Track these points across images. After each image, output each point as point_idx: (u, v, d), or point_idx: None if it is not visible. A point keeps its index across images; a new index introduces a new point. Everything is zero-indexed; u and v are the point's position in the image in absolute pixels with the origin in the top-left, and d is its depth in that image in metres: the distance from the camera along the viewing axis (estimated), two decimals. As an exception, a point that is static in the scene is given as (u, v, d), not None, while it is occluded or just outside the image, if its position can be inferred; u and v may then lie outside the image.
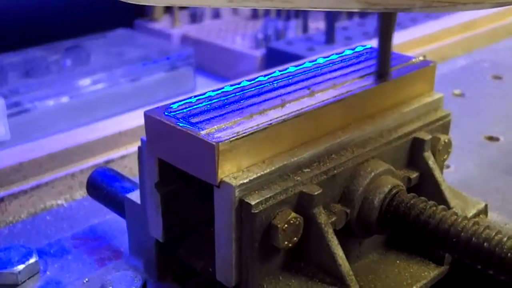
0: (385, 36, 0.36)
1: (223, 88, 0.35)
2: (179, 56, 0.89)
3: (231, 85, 0.35)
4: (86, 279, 0.37)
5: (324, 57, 0.40)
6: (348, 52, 0.41)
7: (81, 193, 0.52)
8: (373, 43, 0.42)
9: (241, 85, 0.36)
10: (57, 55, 0.87)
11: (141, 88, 0.83)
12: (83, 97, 0.79)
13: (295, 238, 0.30)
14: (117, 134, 0.56)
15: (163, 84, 0.86)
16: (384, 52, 0.37)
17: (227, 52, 0.93)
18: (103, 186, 0.42)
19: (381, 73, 0.36)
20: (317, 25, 1.03)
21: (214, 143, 0.28)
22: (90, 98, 0.79)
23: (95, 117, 0.73)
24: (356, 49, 0.42)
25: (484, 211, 0.37)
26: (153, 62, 0.87)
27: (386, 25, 0.36)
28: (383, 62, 0.37)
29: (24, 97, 0.75)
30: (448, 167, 0.54)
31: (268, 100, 0.33)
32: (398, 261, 0.36)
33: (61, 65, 0.85)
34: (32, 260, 0.39)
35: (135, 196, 0.37)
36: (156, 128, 0.32)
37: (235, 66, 0.91)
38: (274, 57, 0.89)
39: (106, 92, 0.81)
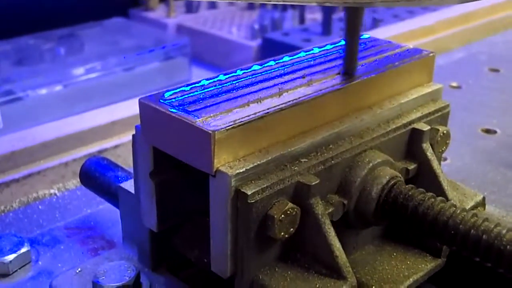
0: (351, 32, 0.34)
1: (218, 76, 0.35)
2: (175, 45, 0.89)
3: (227, 74, 0.35)
4: (79, 269, 0.36)
5: (320, 47, 0.39)
6: (344, 42, 0.41)
7: (74, 182, 0.51)
8: (370, 34, 0.42)
9: (237, 73, 0.35)
10: (51, 44, 0.86)
11: (135, 78, 0.83)
12: (77, 86, 0.78)
13: (291, 229, 0.29)
14: (111, 123, 0.56)
15: (158, 74, 0.85)
16: (350, 49, 0.34)
17: (223, 42, 0.93)
18: (97, 176, 0.41)
19: (348, 71, 0.34)
20: (314, 16, 1.02)
21: (210, 131, 0.28)
22: (83, 87, 0.79)
23: (89, 106, 0.73)
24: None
25: (482, 203, 0.37)
26: (148, 51, 0.86)
27: (352, 21, 0.33)
28: (349, 60, 0.34)
29: (17, 85, 0.74)
30: (444, 159, 0.54)
31: (265, 89, 0.33)
32: (394, 253, 0.35)
33: (54, 54, 0.84)
34: (23, 250, 0.39)
35: (129, 185, 0.36)
36: (151, 116, 0.31)
37: (230, 56, 0.91)
38: (270, 48, 0.88)
39: (100, 81, 0.80)
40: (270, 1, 0.26)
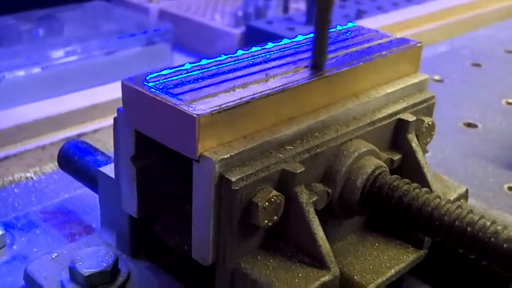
0: (321, 25, 0.32)
1: (201, 60, 0.34)
2: (156, 31, 0.87)
3: (210, 59, 0.34)
4: (55, 254, 0.35)
5: (304, 35, 0.39)
6: (331, 30, 0.40)
7: (51, 166, 0.50)
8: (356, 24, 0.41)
9: (221, 58, 0.34)
10: (30, 25, 0.84)
11: (116, 62, 0.81)
12: (56, 68, 0.76)
13: (275, 217, 0.29)
14: (91, 106, 0.55)
15: (139, 59, 0.83)
16: (320, 42, 0.33)
17: (206, 29, 0.92)
18: (75, 159, 0.40)
19: (316, 65, 0.33)
20: (298, 6, 1.02)
21: (194, 115, 0.27)
22: (63, 70, 0.77)
23: (68, 90, 0.71)
24: (337, 28, 0.41)
25: (465, 195, 0.37)
26: (129, 36, 0.85)
27: (322, 13, 0.32)
28: (319, 53, 0.33)
29: (-7, 66, 0.72)
30: (426, 152, 0.54)
31: (251, 74, 0.32)
32: (377, 244, 0.35)
33: (33, 35, 0.82)
34: (-2, 233, 0.38)
35: (108, 169, 0.35)
36: (133, 98, 0.30)
37: (213, 43, 0.90)
38: (254, 36, 0.87)
39: (79, 64, 0.78)
40: None
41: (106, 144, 0.53)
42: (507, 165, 0.53)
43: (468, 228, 0.29)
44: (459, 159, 0.54)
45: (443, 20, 0.89)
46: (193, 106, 0.28)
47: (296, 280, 0.29)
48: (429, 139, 0.37)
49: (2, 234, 0.38)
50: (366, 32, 0.40)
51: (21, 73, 0.74)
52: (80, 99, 0.56)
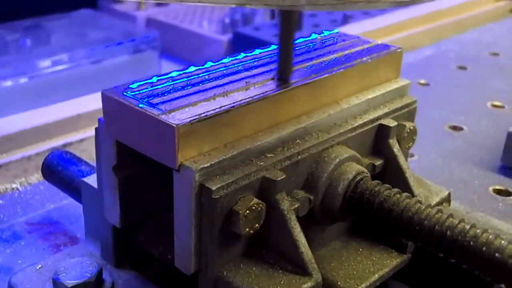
0: (285, 36, 0.32)
1: (186, 69, 0.34)
2: (144, 39, 0.87)
3: (195, 66, 0.34)
4: (39, 266, 0.35)
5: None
6: (314, 36, 0.40)
7: (37, 176, 0.50)
8: (341, 29, 0.42)
9: (205, 66, 0.34)
10: (16, 35, 0.84)
11: (103, 71, 0.81)
12: (43, 78, 0.76)
13: (256, 225, 0.29)
14: (76, 116, 0.55)
15: (127, 67, 0.83)
16: (285, 53, 0.32)
17: (193, 36, 0.92)
18: (59, 170, 0.40)
19: (282, 76, 0.33)
20: (285, 12, 1.02)
21: (174, 125, 0.27)
22: (50, 80, 0.77)
23: (55, 99, 0.71)
24: (323, 34, 0.41)
25: (447, 199, 0.37)
26: (116, 44, 0.85)
27: (286, 24, 0.32)
28: (283, 64, 0.33)
29: (-20, 77, 0.72)
30: (411, 155, 0.54)
31: (232, 82, 0.32)
32: (360, 249, 0.35)
33: (19, 45, 0.82)
34: (-18, 246, 0.37)
35: (92, 180, 0.35)
36: (114, 109, 0.30)
37: (201, 50, 0.90)
38: (241, 42, 0.88)
39: (67, 73, 0.78)
40: (183, 1, 0.24)
41: (91, 153, 0.52)
42: (492, 168, 0.53)
43: (448, 232, 0.29)
44: (445, 162, 0.54)
45: (428, 24, 0.90)
46: (173, 115, 0.28)
47: (279, 287, 0.29)
48: (411, 143, 0.37)
49: (-13, 246, 0.38)
50: (347, 39, 0.40)
51: (8, 83, 0.73)
52: (65, 108, 0.56)
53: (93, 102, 0.56)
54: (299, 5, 0.24)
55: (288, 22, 0.31)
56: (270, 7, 0.25)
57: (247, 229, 0.29)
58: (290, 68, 0.33)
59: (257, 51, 0.37)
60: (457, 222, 0.29)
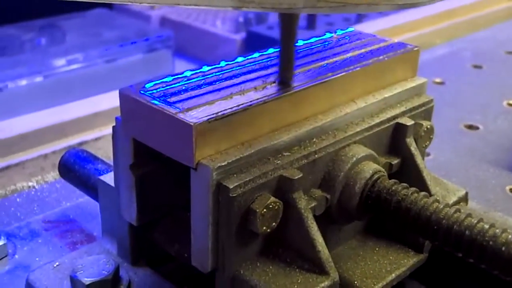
0: (287, 39, 0.31)
1: (201, 68, 0.34)
2: (158, 38, 0.87)
3: (210, 65, 0.34)
4: (57, 263, 0.35)
5: (304, 40, 0.39)
6: (328, 35, 0.40)
7: (53, 175, 0.50)
8: (355, 28, 0.42)
9: (220, 65, 0.34)
10: (31, 34, 0.84)
11: (118, 70, 0.82)
12: (58, 77, 0.77)
13: (273, 223, 0.29)
14: (92, 115, 0.55)
15: (141, 66, 0.84)
16: (286, 57, 0.32)
17: (207, 35, 0.92)
18: (76, 168, 0.41)
19: (284, 80, 0.32)
20: (298, 10, 1.02)
21: (191, 123, 0.27)
22: (65, 79, 0.77)
23: (70, 98, 0.71)
24: (338, 32, 0.41)
25: (465, 198, 0.37)
26: (130, 43, 0.85)
27: (287, 27, 0.31)
28: (285, 68, 0.32)
29: (-4, 76, 0.73)
30: (427, 154, 0.54)
31: (248, 81, 0.32)
32: (377, 248, 0.35)
33: (35, 44, 0.83)
34: (0, 243, 0.38)
35: (108, 178, 0.36)
36: (131, 107, 0.30)
37: (214, 49, 0.90)
38: (254, 41, 0.88)
39: (81, 72, 0.79)
40: (179, 4, 0.24)
41: (107, 152, 0.53)
42: (508, 167, 0.53)
43: (467, 232, 0.29)
44: (460, 161, 0.54)
45: (442, 22, 0.89)
46: (190, 114, 0.28)
47: (295, 286, 0.29)
48: (428, 142, 0.37)
49: (4, 244, 0.38)
50: (364, 37, 0.40)
51: (23, 82, 0.74)
52: (81, 107, 0.56)
53: (108, 101, 0.56)
54: (296, 8, 0.23)
55: (289, 24, 0.31)
56: (267, 10, 0.25)
57: (264, 228, 0.29)
58: (292, 72, 0.32)
59: (271, 50, 0.37)
60: (476, 221, 0.29)
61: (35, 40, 0.84)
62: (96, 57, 0.81)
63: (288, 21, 0.31)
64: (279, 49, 0.32)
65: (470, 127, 0.61)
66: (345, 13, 0.42)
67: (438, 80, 0.71)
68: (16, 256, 0.38)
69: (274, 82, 0.32)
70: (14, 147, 0.51)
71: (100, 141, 0.54)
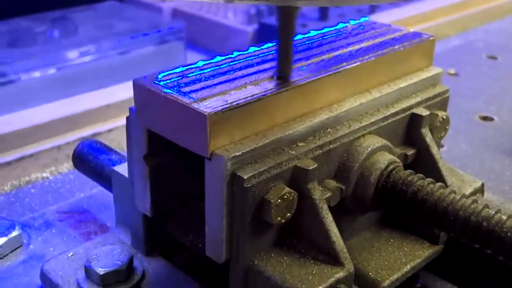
0: (285, 33, 0.30)
1: (214, 58, 0.34)
2: (170, 30, 0.87)
3: (223, 56, 0.34)
4: (71, 253, 0.35)
5: (317, 31, 0.39)
6: (341, 25, 0.40)
7: (67, 166, 0.51)
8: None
9: (234, 55, 0.34)
10: (44, 26, 0.85)
11: (130, 62, 0.82)
12: (70, 69, 0.77)
13: (288, 214, 0.29)
14: (105, 106, 0.55)
15: (153, 58, 0.84)
16: (284, 51, 0.31)
17: (219, 27, 0.92)
18: (90, 159, 0.41)
19: (282, 75, 0.31)
20: (311, 2, 1.01)
21: (205, 113, 0.27)
22: (77, 71, 0.77)
23: (82, 90, 0.71)
24: (350, 23, 0.40)
25: (481, 189, 0.37)
26: (142, 35, 0.85)
27: (285, 21, 0.30)
28: (283, 63, 0.31)
29: (9, 68, 0.73)
30: (442, 146, 0.53)
31: (262, 71, 0.32)
32: (392, 240, 0.35)
33: (48, 36, 0.83)
34: (14, 233, 0.38)
35: (122, 169, 0.36)
36: (145, 97, 0.30)
37: (226, 41, 0.90)
38: (266, 33, 0.87)
39: (94, 64, 0.79)
40: None
41: (120, 143, 0.53)
42: (524, 158, 0.52)
43: (484, 223, 0.28)
44: (476, 152, 0.53)
45: (456, 13, 0.88)
46: (204, 104, 0.28)
47: (310, 277, 0.28)
48: (443, 133, 0.37)
49: (19, 234, 0.38)
50: (378, 27, 0.40)
51: (36, 74, 0.74)
52: (94, 99, 0.56)
53: (121, 92, 0.56)
54: (293, 0, 0.23)
55: (287, 18, 0.30)
56: (260, 3, 0.24)
57: (279, 218, 0.28)
58: (291, 67, 0.31)
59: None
60: (493, 212, 0.29)
61: (48, 33, 0.84)
62: (108, 49, 0.81)
63: (286, 14, 0.30)
64: (276, 43, 0.31)
65: (485, 118, 0.60)
66: (343, 5, 0.42)
67: (452, 71, 0.70)
68: (31, 246, 0.38)
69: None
70: (28, 138, 0.51)
71: (113, 132, 0.54)
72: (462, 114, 0.60)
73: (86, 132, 0.54)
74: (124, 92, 0.57)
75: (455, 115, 0.57)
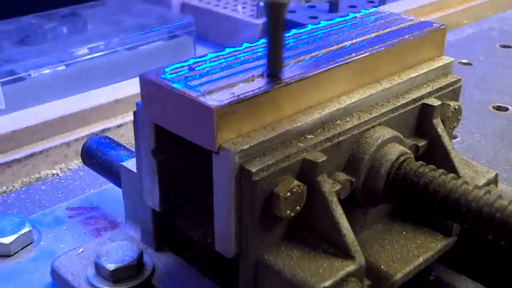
0: (274, 30, 0.29)
1: (222, 51, 0.33)
2: (179, 24, 0.87)
3: (231, 48, 0.34)
4: (81, 250, 0.35)
5: (327, 21, 0.38)
6: (351, 16, 0.39)
7: (76, 162, 0.51)
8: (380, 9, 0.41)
9: (242, 48, 0.34)
10: (53, 23, 0.85)
11: (139, 57, 0.81)
12: (80, 65, 0.77)
13: (297, 207, 0.28)
14: (114, 102, 0.55)
15: (162, 53, 0.84)
16: (274, 48, 0.29)
17: (228, 20, 0.91)
18: (98, 155, 0.41)
19: (272, 73, 0.30)
20: (320, -7, 1.00)
21: (212, 106, 0.27)
22: (87, 67, 0.77)
23: (92, 86, 0.71)
24: (361, 13, 0.40)
25: (494, 180, 0.36)
26: (152, 30, 0.85)
27: (273, 17, 0.28)
28: (273, 60, 0.29)
29: (19, 65, 0.73)
30: (455, 137, 0.53)
31: (270, 63, 0.32)
32: (404, 232, 0.34)
33: (57, 33, 0.83)
34: (25, 230, 0.38)
35: (131, 164, 0.35)
36: (151, 92, 0.30)
37: (235, 34, 0.89)
38: (276, 26, 0.87)
39: (103, 60, 0.79)
40: None
41: (130, 139, 0.53)
42: (539, 149, 0.51)
43: (497, 214, 0.28)
44: (489, 143, 0.53)
45: (469, 2, 0.87)
46: (211, 97, 0.28)
47: (320, 271, 0.28)
48: (455, 123, 0.36)
49: (30, 231, 0.38)
50: (388, 17, 0.39)
51: (46, 71, 0.74)
52: (103, 95, 0.56)
53: (130, 88, 0.56)
54: None
55: (276, 13, 0.28)
56: None
57: (288, 212, 0.28)
58: (281, 65, 0.29)
59: (293, 31, 0.36)
60: (507, 203, 0.28)
61: (57, 29, 0.84)
62: (117, 45, 0.81)
63: (275, 9, 0.28)
64: (265, 40, 0.29)
65: (499, 108, 0.59)
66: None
67: (465, 61, 0.70)
68: (41, 243, 0.38)
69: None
70: (38, 135, 0.51)
71: (122, 128, 0.54)
72: (475, 104, 0.59)
73: (95, 128, 0.54)
74: (133, 87, 0.56)
75: (468, 105, 0.57)
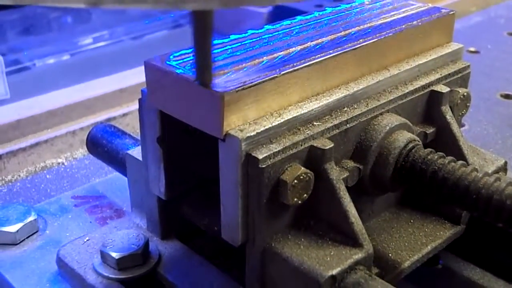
0: (201, 37, 0.26)
1: (228, 37, 0.33)
2: (183, 13, 0.87)
3: (237, 34, 0.33)
4: (87, 238, 0.35)
5: (333, 7, 0.38)
6: (358, 1, 0.39)
7: (82, 151, 0.50)
8: None
9: (248, 34, 0.33)
10: (58, 13, 0.84)
11: (144, 46, 0.81)
12: (84, 55, 0.77)
13: (305, 195, 0.28)
14: (118, 91, 0.55)
15: (167, 42, 0.83)
16: (202, 56, 0.27)
17: (233, 9, 0.90)
18: (104, 143, 0.40)
19: (203, 82, 0.27)
20: (326, -18, 0.99)
21: (218, 93, 0.26)
22: (91, 56, 0.77)
23: (97, 75, 0.71)
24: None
25: (504, 168, 0.36)
26: (156, 19, 0.84)
27: (199, 24, 0.26)
28: (202, 69, 0.27)
29: (24, 54, 0.73)
30: (462, 125, 0.52)
31: (276, 49, 0.31)
32: (412, 220, 0.34)
33: (61, 23, 0.83)
34: (30, 219, 0.38)
35: (136, 152, 0.35)
36: (157, 78, 0.30)
37: (240, 23, 0.89)
38: (281, 14, 0.86)
39: (108, 50, 0.79)
40: (38, 2, 0.21)
41: (135, 127, 0.53)
42: (547, 137, 0.51)
43: (508, 201, 0.27)
44: (497, 131, 0.52)
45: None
46: (217, 83, 0.27)
47: (328, 259, 0.28)
48: (464, 111, 0.36)
49: (35, 220, 0.38)
50: (396, 2, 0.38)
51: (50, 60, 0.74)
52: (108, 84, 0.56)
53: (135, 77, 0.56)
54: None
55: (202, 20, 0.26)
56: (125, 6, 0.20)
57: (295, 199, 0.28)
58: (211, 74, 0.27)
59: (299, 18, 0.36)
60: (517, 190, 0.28)
61: (62, 19, 0.84)
62: (122, 34, 0.81)
63: (201, 16, 0.26)
64: (192, 49, 0.27)
65: (507, 96, 0.58)
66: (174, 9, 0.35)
67: (472, 49, 0.69)
68: (47, 232, 0.38)
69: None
70: (43, 124, 0.51)
71: (127, 116, 0.54)
72: (483, 93, 0.59)
73: (100, 117, 0.53)
74: (138, 76, 0.56)
75: (476, 94, 0.56)
